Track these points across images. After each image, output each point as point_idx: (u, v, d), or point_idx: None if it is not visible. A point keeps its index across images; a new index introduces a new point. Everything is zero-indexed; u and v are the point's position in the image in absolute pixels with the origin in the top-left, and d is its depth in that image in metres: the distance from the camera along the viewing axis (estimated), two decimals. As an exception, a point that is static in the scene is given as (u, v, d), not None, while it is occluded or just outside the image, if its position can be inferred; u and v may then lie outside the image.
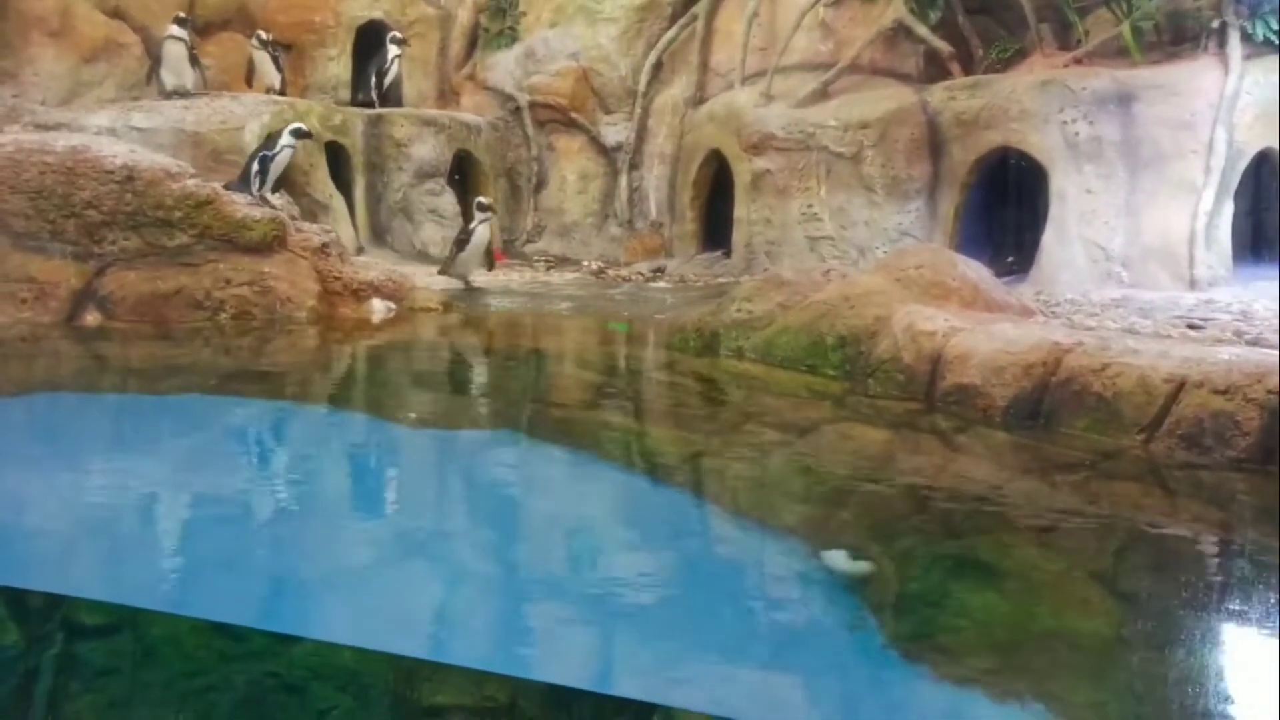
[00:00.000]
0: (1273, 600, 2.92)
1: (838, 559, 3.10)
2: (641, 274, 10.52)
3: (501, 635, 2.71)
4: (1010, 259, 8.70)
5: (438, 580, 3.09)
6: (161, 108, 9.44)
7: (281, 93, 10.57)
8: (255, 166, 8.34)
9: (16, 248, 6.95)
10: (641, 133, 11.55)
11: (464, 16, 12.48)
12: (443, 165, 11.14)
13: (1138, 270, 7.84)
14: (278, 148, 8.54)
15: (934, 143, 8.92)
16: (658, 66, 11.55)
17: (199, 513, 3.68)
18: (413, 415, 5.27)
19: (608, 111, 11.77)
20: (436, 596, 2.98)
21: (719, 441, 4.76)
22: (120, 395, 5.70)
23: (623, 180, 11.63)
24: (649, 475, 4.33)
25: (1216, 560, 3.38)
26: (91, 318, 6.97)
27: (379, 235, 10.76)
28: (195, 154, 8.77)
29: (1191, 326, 6.52)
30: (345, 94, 11.66)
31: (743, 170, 10.02)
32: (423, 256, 10.48)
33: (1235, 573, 3.28)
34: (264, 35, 10.65)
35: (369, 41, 11.80)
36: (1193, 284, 7.63)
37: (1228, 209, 7.79)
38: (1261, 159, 7.94)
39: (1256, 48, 7.93)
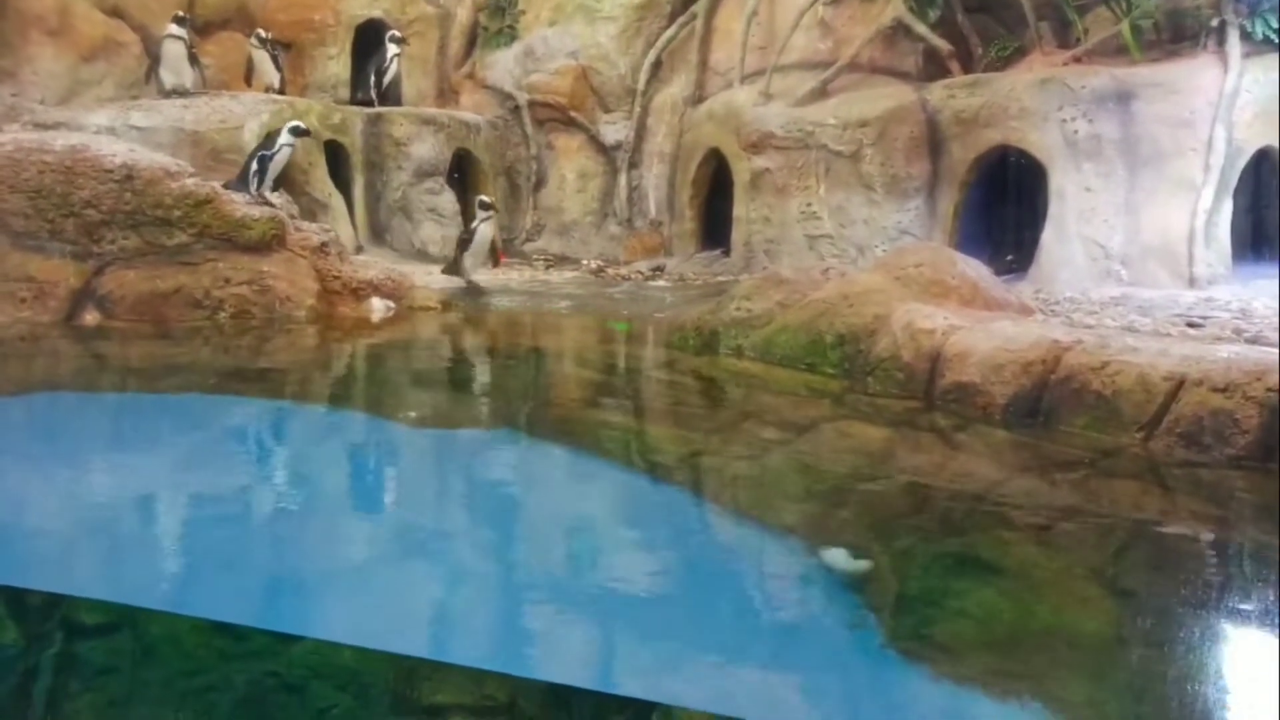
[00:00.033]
0: (1272, 599, 2.92)
1: (837, 557, 3.10)
2: (641, 273, 10.52)
3: (501, 634, 2.71)
4: (1009, 257, 8.70)
5: (437, 579, 3.09)
6: (160, 107, 9.42)
7: (281, 91, 10.55)
8: (254, 165, 8.31)
9: (16, 247, 6.95)
10: (641, 131, 11.54)
11: (463, 15, 12.47)
12: (442, 164, 11.12)
13: (1137, 268, 7.84)
14: (276, 146, 8.52)
15: (933, 141, 8.92)
16: (657, 65, 11.53)
17: (198, 512, 3.68)
18: (412, 414, 5.27)
19: (607, 110, 11.75)
20: (436, 595, 2.98)
21: (718, 440, 4.76)
22: (119, 394, 5.70)
23: (622, 179, 11.62)
24: (648, 474, 4.32)
25: (1216, 558, 3.38)
26: (90, 317, 6.97)
27: (378, 234, 10.75)
28: (194, 153, 8.76)
29: (1191, 324, 6.52)
30: (344, 93, 11.65)
31: (742, 169, 10.02)
32: (422, 255, 10.47)
33: (1234, 571, 3.29)
34: (263, 34, 10.64)
35: (368, 40, 11.79)
36: (1192, 282, 7.63)
37: (1227, 207, 7.79)
38: (1261, 157, 7.94)
39: (1256, 46, 7.92)
